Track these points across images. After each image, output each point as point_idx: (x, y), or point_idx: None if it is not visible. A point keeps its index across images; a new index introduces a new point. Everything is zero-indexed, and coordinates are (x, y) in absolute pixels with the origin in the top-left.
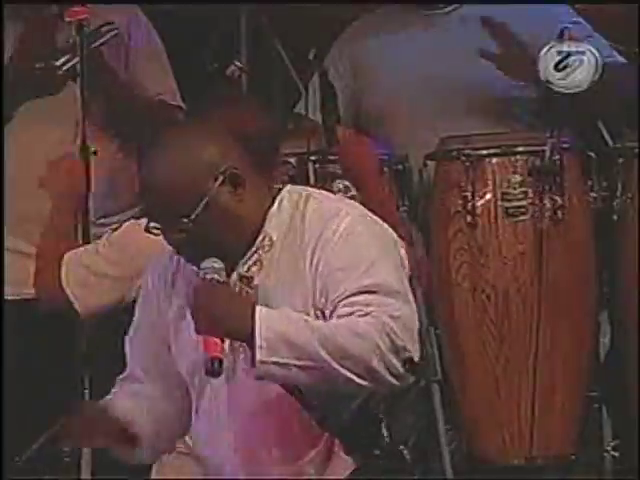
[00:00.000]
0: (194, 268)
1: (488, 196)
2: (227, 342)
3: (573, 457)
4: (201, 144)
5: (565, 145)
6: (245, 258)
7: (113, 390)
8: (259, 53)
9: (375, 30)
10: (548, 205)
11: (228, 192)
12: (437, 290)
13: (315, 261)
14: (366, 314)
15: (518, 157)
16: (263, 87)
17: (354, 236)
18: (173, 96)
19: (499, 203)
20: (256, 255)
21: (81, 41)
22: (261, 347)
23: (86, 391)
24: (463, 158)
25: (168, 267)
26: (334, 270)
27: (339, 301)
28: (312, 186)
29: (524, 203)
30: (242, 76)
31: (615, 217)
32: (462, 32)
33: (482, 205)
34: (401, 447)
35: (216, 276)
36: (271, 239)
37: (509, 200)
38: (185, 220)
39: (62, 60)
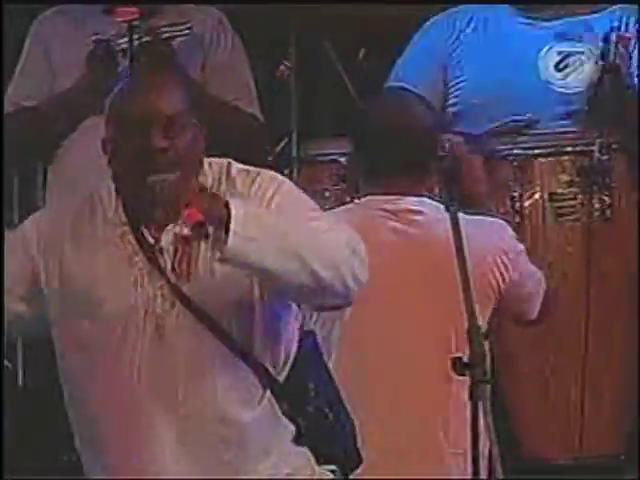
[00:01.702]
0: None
1: (536, 196)
2: (159, 296)
3: (622, 457)
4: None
5: (613, 145)
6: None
7: None
8: (308, 53)
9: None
10: (597, 205)
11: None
12: None
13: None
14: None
15: (566, 157)
16: (312, 87)
17: (292, 188)
18: (250, 103)
19: (547, 203)
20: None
21: (130, 42)
22: (237, 220)
23: None
24: (511, 158)
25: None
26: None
27: None
28: None
29: (572, 203)
30: (291, 76)
31: None
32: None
33: (530, 205)
34: (326, 409)
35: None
36: None
37: (557, 200)
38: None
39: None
